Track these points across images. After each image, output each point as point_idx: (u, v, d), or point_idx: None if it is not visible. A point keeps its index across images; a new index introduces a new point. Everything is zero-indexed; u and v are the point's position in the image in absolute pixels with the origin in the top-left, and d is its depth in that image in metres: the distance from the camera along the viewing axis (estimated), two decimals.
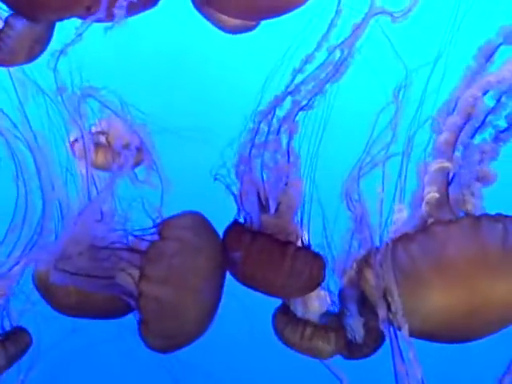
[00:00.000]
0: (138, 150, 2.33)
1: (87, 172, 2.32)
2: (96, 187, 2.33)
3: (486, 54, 1.86)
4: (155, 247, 1.95)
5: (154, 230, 2.07)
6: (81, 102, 2.26)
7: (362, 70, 2.11)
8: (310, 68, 2.09)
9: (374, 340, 2.17)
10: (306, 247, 2.13)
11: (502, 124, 1.88)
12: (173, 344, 2.06)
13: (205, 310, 2.07)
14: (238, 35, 2.40)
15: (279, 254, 2.02)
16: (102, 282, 2.05)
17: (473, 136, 1.87)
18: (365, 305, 2.10)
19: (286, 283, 2.07)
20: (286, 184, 2.11)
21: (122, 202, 2.23)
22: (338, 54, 2.06)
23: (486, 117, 1.84)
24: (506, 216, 1.79)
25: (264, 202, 2.13)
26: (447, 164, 1.86)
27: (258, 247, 2.03)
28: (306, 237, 2.16)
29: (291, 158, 2.12)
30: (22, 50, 2.12)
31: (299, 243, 2.13)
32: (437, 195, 1.85)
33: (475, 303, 1.77)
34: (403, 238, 1.81)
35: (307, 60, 2.08)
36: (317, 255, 2.10)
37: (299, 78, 2.10)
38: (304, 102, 2.11)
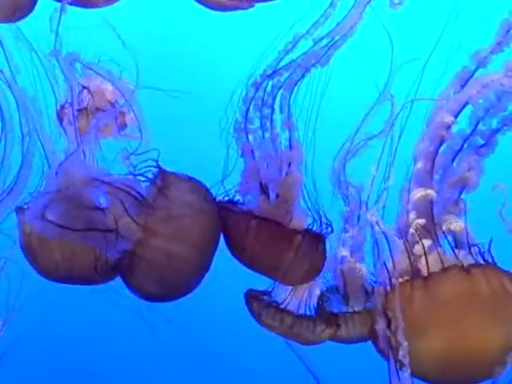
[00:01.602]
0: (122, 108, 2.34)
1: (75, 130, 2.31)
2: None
3: (461, 80, 1.89)
4: (165, 207, 2.02)
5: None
6: (70, 65, 2.26)
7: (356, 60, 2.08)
8: (297, 52, 2.09)
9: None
10: (310, 236, 2.17)
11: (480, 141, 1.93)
12: (164, 294, 2.17)
13: (201, 267, 2.17)
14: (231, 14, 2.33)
15: (285, 243, 2.10)
16: (90, 235, 2.06)
17: (453, 159, 1.92)
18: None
19: (288, 272, 2.16)
20: (286, 174, 2.14)
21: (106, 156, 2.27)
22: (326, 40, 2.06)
23: (464, 141, 1.89)
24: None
25: (265, 190, 2.17)
26: (429, 192, 1.92)
27: (267, 235, 2.10)
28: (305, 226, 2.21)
29: (293, 150, 2.14)
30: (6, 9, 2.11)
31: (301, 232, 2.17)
32: (422, 222, 1.92)
33: (468, 350, 1.86)
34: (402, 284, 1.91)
35: (294, 43, 2.08)
36: (320, 244, 2.17)
37: (286, 60, 2.10)
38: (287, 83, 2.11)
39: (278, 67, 2.09)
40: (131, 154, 2.11)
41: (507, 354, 1.87)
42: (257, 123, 2.14)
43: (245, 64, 2.13)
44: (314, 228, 2.19)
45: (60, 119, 2.35)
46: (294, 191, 2.14)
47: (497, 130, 1.88)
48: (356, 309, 2.30)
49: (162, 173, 2.09)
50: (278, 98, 2.12)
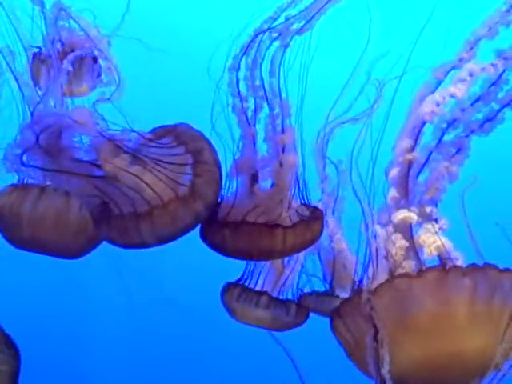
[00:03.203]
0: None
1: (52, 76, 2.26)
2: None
3: (421, 97, 1.81)
4: (206, 171, 1.95)
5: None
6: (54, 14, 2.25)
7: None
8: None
9: None
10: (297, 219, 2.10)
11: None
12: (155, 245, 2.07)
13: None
14: None
15: (269, 237, 2.04)
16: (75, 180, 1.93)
17: (418, 174, 1.87)
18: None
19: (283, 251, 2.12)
20: (280, 159, 2.06)
21: None
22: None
23: (429, 156, 1.82)
24: (477, 268, 1.78)
25: (257, 178, 2.10)
26: (411, 215, 1.85)
27: (244, 235, 2.04)
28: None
29: (286, 133, 2.06)
30: None
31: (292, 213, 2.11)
32: (405, 244, 1.85)
33: (439, 359, 1.80)
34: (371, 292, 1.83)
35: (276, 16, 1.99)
36: (309, 220, 2.10)
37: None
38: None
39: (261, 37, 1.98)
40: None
41: (488, 363, 1.82)
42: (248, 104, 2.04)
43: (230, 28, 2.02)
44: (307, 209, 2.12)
45: (32, 68, 2.29)
46: (289, 176, 2.06)
47: (466, 136, 1.82)
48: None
49: (189, 132, 1.98)
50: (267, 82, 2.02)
